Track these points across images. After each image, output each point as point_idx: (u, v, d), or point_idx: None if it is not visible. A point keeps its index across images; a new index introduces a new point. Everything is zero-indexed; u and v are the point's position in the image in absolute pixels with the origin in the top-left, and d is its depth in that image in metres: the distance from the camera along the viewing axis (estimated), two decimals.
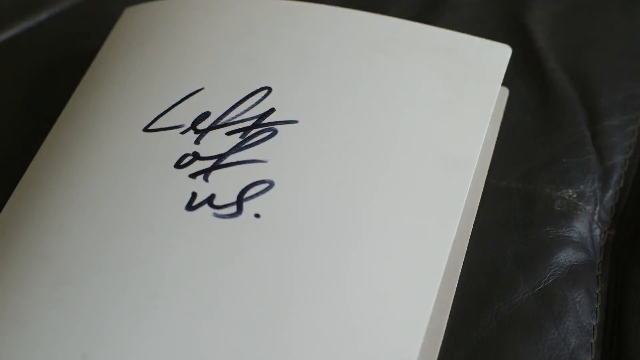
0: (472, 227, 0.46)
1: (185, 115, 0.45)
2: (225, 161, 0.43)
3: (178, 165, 0.43)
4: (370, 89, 0.46)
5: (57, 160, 0.45)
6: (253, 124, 0.45)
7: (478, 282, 0.45)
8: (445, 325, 0.43)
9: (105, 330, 0.39)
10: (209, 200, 0.42)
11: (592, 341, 0.44)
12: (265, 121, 0.45)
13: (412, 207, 0.42)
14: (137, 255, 0.41)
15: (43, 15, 0.60)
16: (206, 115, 0.45)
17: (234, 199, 0.42)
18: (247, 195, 0.42)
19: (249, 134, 0.44)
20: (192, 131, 0.45)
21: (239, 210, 0.42)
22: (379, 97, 0.46)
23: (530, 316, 0.44)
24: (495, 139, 0.50)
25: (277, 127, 0.44)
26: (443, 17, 0.58)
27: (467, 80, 0.47)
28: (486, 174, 0.48)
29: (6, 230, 0.43)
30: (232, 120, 0.45)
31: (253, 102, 0.46)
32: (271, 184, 0.42)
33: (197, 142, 0.44)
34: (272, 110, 0.45)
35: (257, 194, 0.42)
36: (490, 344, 0.43)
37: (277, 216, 0.41)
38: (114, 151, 0.45)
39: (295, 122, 0.45)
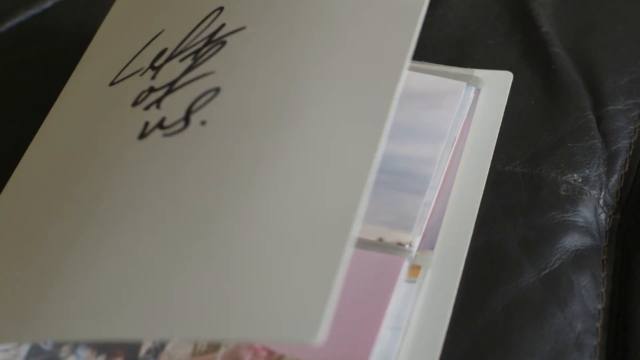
0: (477, 211, 0.46)
1: (145, 59, 0.46)
2: (176, 85, 0.43)
3: (134, 103, 0.44)
4: None
5: (43, 140, 0.47)
6: (204, 44, 0.45)
7: (484, 267, 0.45)
8: (451, 309, 0.43)
9: (58, 268, 0.39)
10: (160, 124, 0.42)
11: (598, 325, 0.44)
12: (215, 37, 0.45)
13: (357, 76, 0.42)
14: (90, 194, 0.41)
15: (48, 3, 0.60)
16: (163, 52, 0.45)
17: (182, 114, 0.42)
18: (194, 107, 0.42)
19: (199, 54, 0.44)
20: (150, 70, 0.45)
21: (187, 123, 0.42)
22: None
23: (536, 300, 0.44)
24: (499, 124, 0.50)
25: (226, 38, 0.44)
26: (446, 2, 0.58)
27: None
28: (491, 158, 0.48)
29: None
30: (187, 47, 0.45)
31: (206, 25, 0.46)
32: (217, 91, 0.42)
33: (153, 77, 0.44)
34: (222, 25, 0.45)
35: (204, 104, 0.42)
36: (496, 328, 0.43)
37: (221, 117, 0.41)
38: (82, 112, 0.46)
39: (242, 28, 0.45)
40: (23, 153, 0.47)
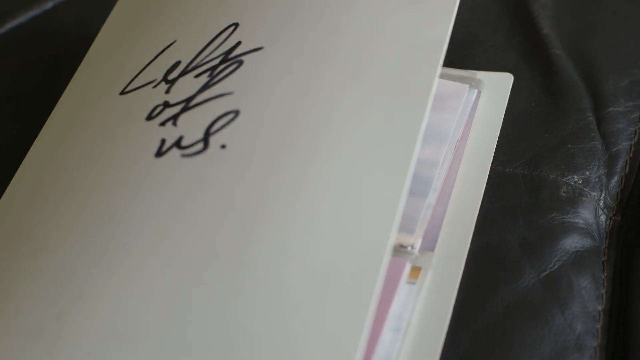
0: (477, 213, 0.46)
1: (157, 70, 0.45)
2: (193, 102, 0.43)
3: (149, 117, 0.43)
4: None
5: (47, 143, 0.46)
6: (220, 61, 0.44)
7: (484, 268, 0.45)
8: (451, 310, 0.43)
9: (77, 288, 0.39)
10: (177, 143, 0.42)
11: (598, 326, 0.44)
12: (231, 55, 0.44)
13: (380, 108, 0.41)
14: (108, 211, 0.41)
15: (49, 4, 0.60)
16: (177, 64, 0.45)
17: (201, 135, 0.42)
18: (213, 129, 0.42)
19: (216, 71, 0.44)
20: (163, 83, 0.44)
21: (206, 145, 0.41)
22: (339, 4, 0.45)
23: (536, 302, 0.44)
24: (500, 125, 0.50)
25: (243, 57, 0.44)
26: None
27: None
28: (491, 160, 0.48)
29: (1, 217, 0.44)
30: (201, 63, 0.45)
31: (221, 41, 0.45)
32: (236, 113, 0.42)
33: (167, 91, 0.44)
34: (238, 43, 0.45)
35: (223, 126, 0.42)
36: (496, 329, 0.43)
37: (243, 143, 0.41)
38: (91, 119, 0.45)
39: (260, 48, 0.44)
40: (23, 154, 0.47)
